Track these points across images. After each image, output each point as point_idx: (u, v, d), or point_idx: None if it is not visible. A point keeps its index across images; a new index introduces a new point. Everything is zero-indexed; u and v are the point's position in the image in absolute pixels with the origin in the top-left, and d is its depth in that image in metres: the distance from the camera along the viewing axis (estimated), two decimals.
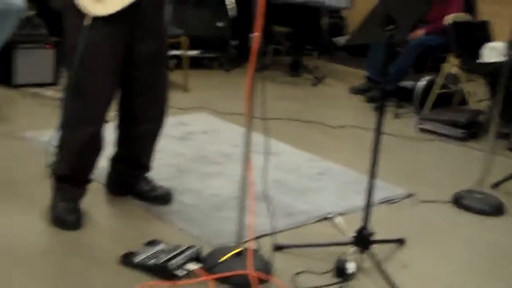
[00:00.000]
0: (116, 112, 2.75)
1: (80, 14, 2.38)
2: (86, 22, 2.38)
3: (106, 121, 2.56)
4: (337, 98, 5.51)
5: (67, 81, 2.49)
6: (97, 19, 2.39)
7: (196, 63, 5.68)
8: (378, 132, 2.39)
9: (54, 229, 2.50)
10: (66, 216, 2.51)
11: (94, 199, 2.75)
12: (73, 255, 2.34)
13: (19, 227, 2.50)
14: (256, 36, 2.30)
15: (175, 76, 5.32)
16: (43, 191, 2.64)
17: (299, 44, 6.19)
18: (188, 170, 3.32)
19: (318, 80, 5.78)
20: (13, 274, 2.16)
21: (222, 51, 5.98)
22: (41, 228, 2.51)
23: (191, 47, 5.47)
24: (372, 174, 2.43)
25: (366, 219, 2.44)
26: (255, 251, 2.34)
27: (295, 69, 6.05)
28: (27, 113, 4.01)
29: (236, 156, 3.19)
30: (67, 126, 2.51)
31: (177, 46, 5.11)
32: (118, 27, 2.45)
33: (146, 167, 2.86)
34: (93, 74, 2.46)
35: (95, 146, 2.55)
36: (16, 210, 2.63)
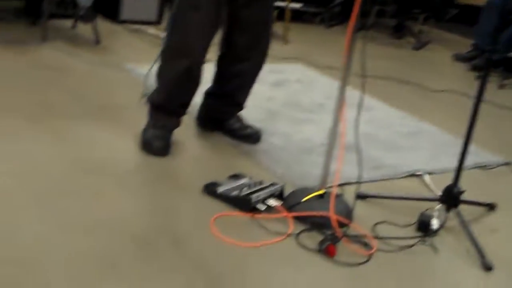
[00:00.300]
0: (219, 49, 2.77)
1: None
2: None
3: (205, 57, 2.58)
4: (439, 63, 5.32)
5: (171, 13, 2.53)
6: None
7: (297, 17, 5.62)
8: (479, 98, 2.27)
9: (145, 154, 2.57)
10: (154, 142, 2.56)
11: (185, 132, 2.79)
12: (159, 179, 2.39)
13: (114, 148, 2.58)
14: None
15: (275, 28, 5.28)
16: (138, 117, 2.71)
17: (406, 6, 6.01)
18: (280, 114, 3.31)
19: (421, 44, 5.60)
20: (105, 187, 2.24)
21: (325, 7, 5.88)
22: (133, 152, 2.57)
23: (294, 0, 5.42)
24: (468, 136, 2.32)
25: (456, 177, 2.35)
26: (338, 195, 2.31)
27: (398, 32, 5.88)
28: (129, 47, 4.10)
29: (329, 107, 3.15)
30: (166, 56, 2.56)
31: None
32: None
33: (240, 105, 2.87)
34: (197, 8, 2.47)
35: (191, 78, 2.57)
36: (112, 133, 2.71)
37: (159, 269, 1.81)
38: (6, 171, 2.24)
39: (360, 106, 2.20)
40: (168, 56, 2.55)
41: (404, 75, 4.51)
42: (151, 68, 2.63)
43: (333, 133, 2.27)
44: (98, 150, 2.54)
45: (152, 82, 2.66)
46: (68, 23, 4.27)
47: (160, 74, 2.59)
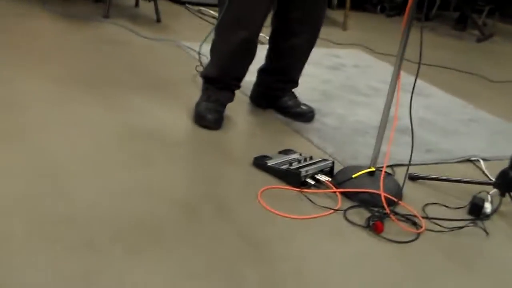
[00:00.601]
0: (271, 25, 2.77)
1: None
2: None
3: (261, 29, 2.58)
4: (502, 55, 5.19)
5: None
6: None
7: (358, 6, 5.58)
8: None
9: (196, 127, 2.59)
10: (207, 114, 2.58)
11: (238, 107, 2.81)
12: (209, 150, 2.41)
13: (167, 119, 2.60)
14: None
15: (336, 15, 5.27)
16: (192, 92, 2.73)
17: None
18: (335, 96, 3.29)
19: (484, 37, 5.47)
20: (156, 158, 2.27)
21: None
22: (185, 123, 2.60)
23: None
24: None
25: None
26: (388, 174, 2.28)
27: (461, 23, 5.76)
28: (188, 26, 4.15)
29: (384, 91, 3.11)
30: (221, 30, 2.57)
31: None
32: None
33: (294, 81, 2.86)
34: None
35: (245, 51, 2.58)
36: (165, 104, 2.75)
37: (203, 235, 1.82)
38: (61, 134, 2.30)
39: (413, 90, 2.16)
40: (224, 28, 2.56)
41: (466, 66, 4.43)
42: (203, 42, 2.63)
43: (385, 114, 2.24)
44: (149, 119, 2.57)
45: (205, 57, 2.68)
46: (131, 1, 4.34)
47: (215, 48, 2.60)
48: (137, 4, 4.32)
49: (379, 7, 5.76)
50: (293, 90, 2.89)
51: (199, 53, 2.65)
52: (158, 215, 1.88)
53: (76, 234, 1.69)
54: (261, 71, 2.86)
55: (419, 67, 2.15)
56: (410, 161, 2.27)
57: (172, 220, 1.86)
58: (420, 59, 2.10)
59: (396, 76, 2.20)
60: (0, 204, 1.76)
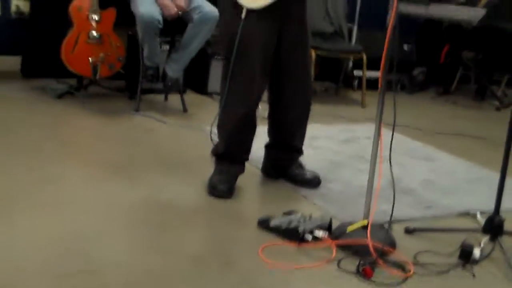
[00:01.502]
0: (268, 101, 3.07)
1: (237, 7, 2.75)
2: (243, 15, 2.74)
3: (259, 103, 2.90)
4: None
5: (224, 68, 2.87)
6: (251, 12, 2.74)
7: (376, 84, 5.85)
8: None
9: (210, 198, 2.86)
10: (219, 185, 2.86)
11: (250, 179, 3.08)
12: (221, 215, 2.67)
13: (184, 192, 2.89)
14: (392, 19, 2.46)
15: (356, 95, 5.57)
16: (208, 169, 3.02)
17: (487, 69, 6.11)
18: (344, 164, 3.54)
19: (502, 105, 5.67)
20: (172, 223, 2.55)
21: (405, 73, 6.10)
22: (200, 195, 2.88)
23: (375, 68, 5.67)
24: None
25: (498, 204, 2.47)
26: (380, 226, 2.48)
27: (480, 95, 5.99)
28: (212, 113, 4.45)
29: (393, 159, 3.34)
30: (224, 108, 2.88)
31: (360, 65, 5.37)
32: (269, 18, 2.78)
33: (298, 150, 3.13)
34: (247, 60, 2.79)
35: (248, 125, 2.88)
36: (184, 181, 3.04)
37: (211, 282, 2.07)
38: (90, 205, 2.62)
39: (391, 145, 2.40)
40: (226, 106, 2.86)
41: (480, 133, 4.61)
42: (213, 123, 2.95)
43: (372, 171, 2.48)
44: (168, 193, 2.86)
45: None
46: (161, 97, 4.75)
47: (221, 125, 2.92)
48: (166, 98, 4.72)
49: (399, 85, 6.05)
50: (300, 158, 3.15)
51: (210, 133, 2.97)
52: (170, 266, 2.14)
53: (94, 281, 1.96)
54: (267, 147, 3.15)
55: (393, 129, 2.40)
56: (392, 211, 2.46)
57: (183, 271, 2.12)
58: (395, 120, 2.36)
59: (377, 135, 2.46)
60: (31, 260, 2.06)
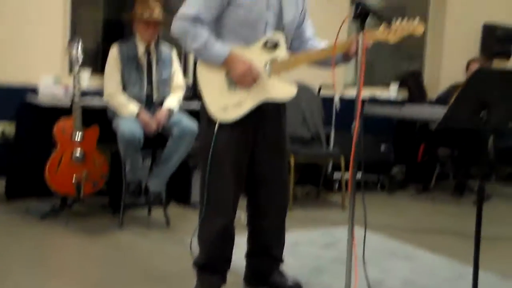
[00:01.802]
0: (246, 210, 3.16)
1: (211, 120, 2.90)
2: (216, 127, 2.89)
3: (235, 213, 2.98)
4: (497, 215, 5.47)
5: (201, 179, 2.97)
6: (224, 124, 2.88)
7: (358, 185, 5.98)
8: None
9: None
10: None
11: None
12: None
13: None
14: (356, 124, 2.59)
15: (336, 197, 5.68)
16: (191, 280, 3.06)
17: (463, 165, 6.27)
18: (326, 269, 3.58)
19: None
20: None
21: (384, 173, 6.25)
22: None
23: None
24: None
25: None
26: None
27: (459, 190, 6.11)
28: (195, 224, 4.56)
29: (375, 261, 3.40)
30: (203, 219, 2.96)
31: (338, 167, 5.51)
32: (242, 130, 2.92)
33: (278, 259, 3.18)
34: (221, 171, 2.91)
35: (227, 236, 2.96)
36: None
37: None
38: None
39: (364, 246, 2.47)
40: (205, 218, 2.95)
41: (461, 228, 4.69)
42: (192, 236, 3.02)
43: (349, 277, 2.55)
44: None
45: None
46: (144, 211, 4.82)
47: (200, 237, 2.99)
48: (149, 212, 4.79)
49: (378, 185, 6.18)
50: (280, 266, 3.20)
51: (190, 246, 3.03)
52: None
53: None
54: (247, 256, 3.21)
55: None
56: None
57: None
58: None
59: (351, 238, 2.54)
60: None
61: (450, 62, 6.70)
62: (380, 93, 6.83)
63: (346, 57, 2.96)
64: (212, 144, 2.87)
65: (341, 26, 2.68)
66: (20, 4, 4.96)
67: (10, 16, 4.94)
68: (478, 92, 3.15)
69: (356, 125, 2.68)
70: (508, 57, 7.27)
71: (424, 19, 7.20)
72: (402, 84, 7.01)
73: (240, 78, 2.86)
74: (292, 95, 2.97)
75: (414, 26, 2.81)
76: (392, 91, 6.89)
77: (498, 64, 7.19)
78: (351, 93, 6.57)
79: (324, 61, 2.97)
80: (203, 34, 2.84)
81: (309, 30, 3.14)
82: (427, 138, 6.30)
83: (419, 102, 6.71)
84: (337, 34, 2.74)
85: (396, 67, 7.25)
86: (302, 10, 3.07)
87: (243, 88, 2.89)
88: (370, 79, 7.09)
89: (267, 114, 2.98)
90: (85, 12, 5.52)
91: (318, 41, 3.10)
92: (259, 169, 3.03)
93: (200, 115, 3.05)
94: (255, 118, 2.93)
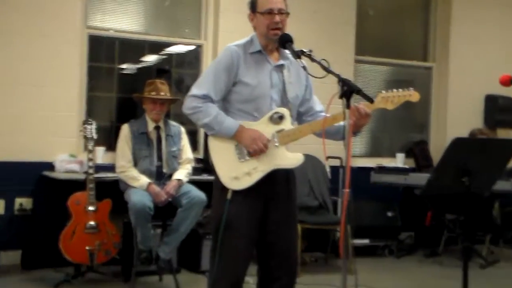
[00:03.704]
0: (257, 275, 3.29)
1: (223, 189, 3.09)
2: (228, 196, 3.08)
3: (244, 279, 3.13)
4: (506, 278, 5.52)
5: (213, 245, 3.14)
6: (236, 193, 3.07)
7: (366, 252, 6.09)
8: None
9: None
10: None
11: None
12: None
13: None
14: (346, 192, 2.77)
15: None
16: None
17: (470, 230, 6.36)
18: None
19: (487, 263, 5.86)
20: None
21: (392, 239, 6.36)
22: None
23: (361, 236, 5.97)
24: None
25: None
26: None
27: (467, 255, 6.18)
28: None
29: None
30: (213, 283, 3.11)
31: None
32: (253, 199, 3.09)
33: None
34: (233, 239, 3.06)
35: None
36: None
37: None
38: None
39: None
40: (216, 281, 3.10)
41: None
42: None
43: None
44: None
45: None
46: (156, 278, 4.99)
47: None
48: (160, 279, 4.96)
49: (386, 250, 6.28)
50: None
51: None
52: None
53: None
54: None
55: None
56: None
57: None
58: None
59: None
60: None
61: (454, 131, 6.86)
62: (388, 162, 7.01)
63: (355, 128, 3.08)
64: (225, 212, 3.03)
65: (329, 103, 2.91)
66: (38, 86, 5.33)
67: (28, 96, 5.32)
68: (459, 160, 3.36)
69: (346, 192, 2.81)
70: (511, 127, 7.47)
71: (428, 90, 7.48)
72: (408, 154, 7.20)
73: (252, 146, 3.07)
74: (300, 162, 3.16)
75: (410, 94, 3.07)
76: (399, 161, 7.07)
77: (502, 133, 7.39)
78: (358, 163, 6.79)
79: (333, 131, 3.15)
80: (214, 110, 3.09)
81: (317, 105, 3.37)
82: (434, 204, 6.43)
83: (425, 170, 6.87)
84: (327, 109, 2.97)
85: (402, 138, 7.46)
86: (306, 86, 3.32)
87: (255, 155, 3.08)
88: (378, 149, 7.32)
89: (277, 184, 3.16)
90: (99, 92, 5.89)
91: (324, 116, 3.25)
92: (270, 238, 3.17)
93: (214, 186, 3.21)
94: (266, 188, 3.11)
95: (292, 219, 3.27)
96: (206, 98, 3.10)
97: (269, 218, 3.16)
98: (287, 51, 3.17)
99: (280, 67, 3.20)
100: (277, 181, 3.15)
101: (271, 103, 3.15)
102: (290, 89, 3.20)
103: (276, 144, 3.12)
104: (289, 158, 3.15)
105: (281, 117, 3.13)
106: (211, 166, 3.18)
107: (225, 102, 3.17)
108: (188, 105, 3.13)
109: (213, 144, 3.17)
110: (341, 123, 3.01)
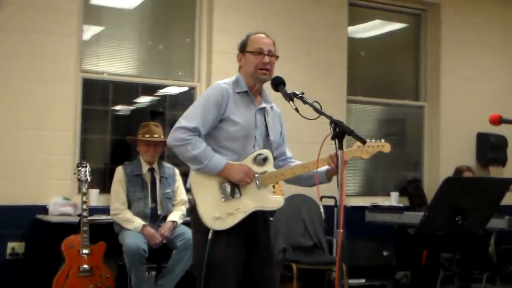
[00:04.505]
0: None
1: (205, 230, 3.08)
2: (209, 236, 3.07)
3: None
4: None
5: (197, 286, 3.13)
6: (218, 233, 3.07)
7: None
8: None
9: None
10: None
11: None
12: None
13: None
14: (340, 232, 2.78)
15: None
16: None
17: (466, 268, 6.33)
18: None
19: None
20: None
21: (388, 278, 6.32)
22: None
23: (357, 276, 5.94)
24: None
25: None
26: None
27: None
28: None
29: None
30: None
31: None
32: (236, 240, 3.11)
33: None
34: (220, 280, 3.06)
35: None
36: None
37: None
38: None
39: None
40: None
41: None
42: None
43: None
44: None
45: None
46: None
47: None
48: None
49: None
50: None
51: None
52: None
53: None
54: None
55: None
56: None
57: None
58: None
59: None
60: None
61: (447, 168, 6.89)
62: (382, 201, 7.02)
63: (328, 174, 3.23)
64: (207, 252, 3.02)
65: (322, 144, 2.94)
66: (32, 129, 5.34)
67: (22, 140, 5.31)
68: (451, 199, 3.39)
69: (340, 233, 2.82)
70: (503, 165, 7.50)
71: (421, 129, 7.54)
72: (403, 192, 7.21)
73: (244, 178, 3.10)
74: (281, 204, 3.23)
75: (383, 145, 3.26)
76: (393, 199, 7.08)
77: (494, 171, 7.41)
78: (353, 202, 6.80)
79: (305, 177, 3.25)
80: (203, 144, 3.12)
81: (288, 151, 3.47)
82: (429, 243, 6.40)
83: (419, 208, 6.86)
84: (319, 150, 3.03)
85: (396, 176, 7.47)
86: (280, 132, 3.41)
87: (245, 186, 3.12)
88: (372, 188, 7.33)
89: (257, 224, 3.21)
90: (93, 135, 5.91)
91: (296, 162, 3.38)
92: (252, 279, 3.19)
93: (192, 225, 3.24)
94: (247, 228, 3.14)
95: (272, 259, 3.31)
96: (195, 131, 3.11)
97: (251, 259, 3.18)
98: (268, 96, 3.30)
99: (262, 110, 3.28)
100: (257, 221, 3.20)
101: (255, 144, 3.22)
102: (271, 133, 3.28)
103: (259, 186, 3.17)
104: (271, 200, 3.21)
105: (265, 159, 3.20)
106: (192, 202, 3.18)
107: (209, 139, 3.19)
108: (177, 136, 3.12)
109: (197, 180, 3.16)
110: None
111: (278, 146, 3.38)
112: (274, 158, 3.31)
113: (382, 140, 3.28)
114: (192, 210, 3.20)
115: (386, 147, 3.25)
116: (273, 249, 3.35)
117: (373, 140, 3.25)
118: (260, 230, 3.24)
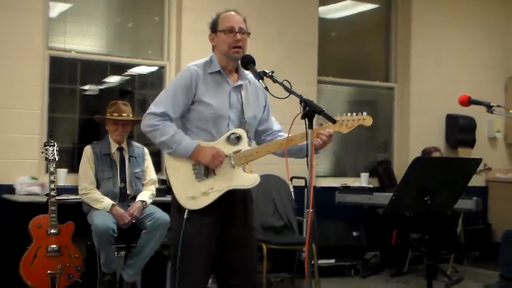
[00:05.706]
0: None
1: (180, 209, 3.09)
2: (185, 215, 3.08)
3: None
4: None
5: (171, 267, 3.13)
6: (193, 213, 3.07)
7: (332, 271, 6.10)
8: None
9: None
10: None
11: None
12: None
13: None
14: (310, 212, 2.77)
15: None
16: None
17: (434, 249, 6.41)
18: None
19: (451, 281, 5.92)
20: None
21: (357, 258, 6.37)
22: None
23: (327, 256, 5.97)
24: None
25: None
26: None
27: (431, 273, 6.23)
28: None
29: None
30: None
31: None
32: (211, 218, 3.11)
33: None
34: (191, 259, 3.06)
35: None
36: None
37: None
38: None
39: None
40: None
41: None
42: None
43: None
44: None
45: None
46: None
47: None
48: None
49: (352, 270, 6.29)
50: None
51: None
52: None
53: None
54: None
55: None
56: None
57: None
58: None
59: None
60: None
61: (417, 150, 6.94)
62: (352, 182, 7.06)
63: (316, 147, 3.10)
64: (182, 231, 3.04)
65: (292, 123, 2.92)
66: None
67: None
68: (420, 179, 3.39)
69: (310, 213, 2.80)
70: (471, 146, 7.58)
71: (391, 110, 7.57)
72: (372, 173, 7.25)
73: (213, 162, 3.09)
74: (256, 183, 3.18)
75: (364, 118, 3.15)
76: (363, 180, 7.12)
77: (463, 152, 7.49)
78: (323, 183, 6.82)
79: (295, 151, 3.16)
80: (171, 129, 3.11)
81: (275, 125, 3.42)
82: (398, 224, 6.47)
83: (389, 189, 6.92)
84: (289, 129, 3.00)
85: (366, 157, 7.51)
86: (265, 106, 3.36)
87: (215, 169, 3.11)
88: (342, 169, 7.36)
89: (233, 204, 3.18)
90: (61, 114, 5.81)
91: (284, 136, 3.28)
92: (228, 257, 3.18)
93: (171, 206, 3.23)
94: (223, 207, 3.13)
95: (250, 239, 3.29)
96: (164, 116, 3.12)
97: (227, 237, 3.17)
98: (246, 72, 3.22)
99: (238, 88, 3.25)
100: (234, 201, 3.18)
101: (229, 123, 3.18)
102: (248, 110, 3.24)
103: (233, 165, 3.16)
104: (245, 178, 3.19)
105: (238, 138, 3.17)
106: (168, 185, 3.19)
107: (184, 120, 3.20)
108: (146, 122, 3.15)
109: (171, 163, 3.19)
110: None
111: (263, 121, 3.36)
112: (261, 133, 3.34)
113: (364, 113, 3.14)
114: (169, 191, 3.21)
115: (368, 120, 3.13)
116: (253, 229, 3.31)
117: (354, 114, 3.13)
118: (237, 209, 3.21)
